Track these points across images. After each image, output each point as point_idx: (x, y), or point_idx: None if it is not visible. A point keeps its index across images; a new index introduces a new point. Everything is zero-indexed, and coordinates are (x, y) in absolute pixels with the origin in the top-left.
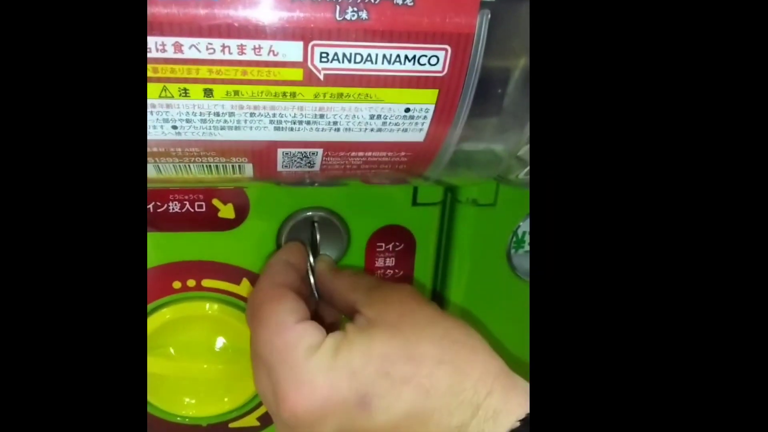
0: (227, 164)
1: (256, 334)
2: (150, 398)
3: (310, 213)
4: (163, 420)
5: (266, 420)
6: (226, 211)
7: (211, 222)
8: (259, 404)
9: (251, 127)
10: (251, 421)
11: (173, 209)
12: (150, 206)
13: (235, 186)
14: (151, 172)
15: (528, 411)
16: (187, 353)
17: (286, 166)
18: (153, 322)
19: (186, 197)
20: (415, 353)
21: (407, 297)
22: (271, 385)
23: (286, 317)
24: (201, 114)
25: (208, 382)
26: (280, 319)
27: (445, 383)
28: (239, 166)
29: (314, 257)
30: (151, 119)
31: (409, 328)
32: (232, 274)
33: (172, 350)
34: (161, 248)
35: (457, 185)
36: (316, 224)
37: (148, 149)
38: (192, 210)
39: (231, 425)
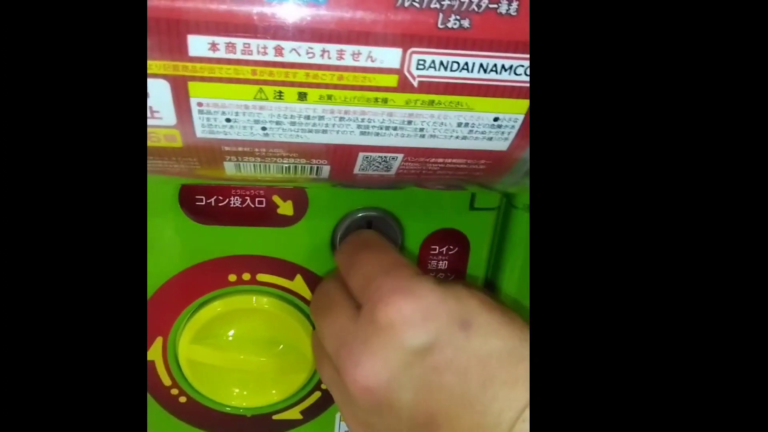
0: (306, 165)
1: (358, 257)
2: (199, 388)
3: (366, 213)
4: (209, 409)
5: (309, 413)
6: (286, 208)
7: (269, 218)
8: (304, 398)
9: (338, 131)
10: (294, 414)
11: (234, 204)
12: (212, 200)
13: (295, 185)
14: (230, 169)
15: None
16: (239, 345)
17: (363, 169)
18: (206, 314)
19: (248, 193)
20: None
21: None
22: (368, 293)
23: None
24: (292, 117)
25: (257, 374)
26: (388, 247)
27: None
28: (317, 167)
29: None
30: (242, 120)
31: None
32: (287, 269)
33: (223, 341)
34: (220, 241)
35: (514, 192)
36: (371, 224)
37: (234, 148)
38: (252, 205)
39: (274, 417)
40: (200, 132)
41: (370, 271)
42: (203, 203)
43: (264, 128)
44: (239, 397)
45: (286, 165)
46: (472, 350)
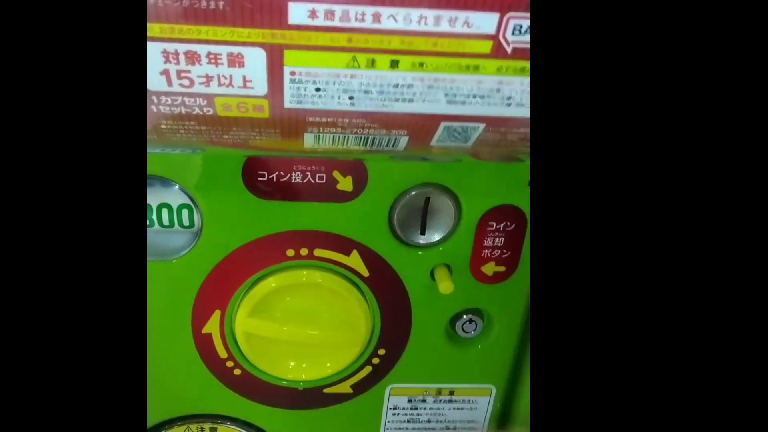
0: (385, 137)
1: None
2: (255, 361)
3: (423, 189)
4: (263, 382)
5: (359, 388)
6: (345, 184)
7: (329, 193)
8: (354, 372)
9: (425, 100)
10: (345, 388)
11: (295, 179)
12: (274, 176)
13: (355, 158)
14: (309, 141)
15: None
16: (294, 319)
17: (440, 141)
18: (263, 288)
19: (308, 168)
20: None
21: None
22: None
23: None
24: (381, 85)
25: (312, 348)
26: None
27: None
28: (396, 139)
29: (422, 233)
30: (332, 89)
31: None
32: (344, 245)
33: (279, 315)
34: (279, 216)
35: None
36: (428, 200)
37: (319, 119)
38: (313, 181)
39: (325, 390)
40: (289, 102)
41: None
42: (265, 178)
43: (351, 98)
44: (294, 370)
45: (365, 137)
46: None
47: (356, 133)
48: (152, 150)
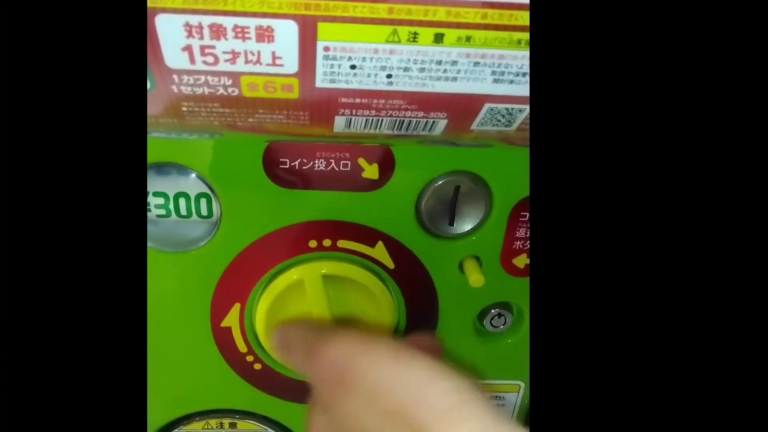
0: (422, 120)
1: None
2: (276, 356)
3: (453, 178)
4: (283, 376)
5: None
6: (371, 172)
7: (354, 182)
8: None
9: (469, 78)
10: None
11: (319, 167)
12: (296, 163)
13: (381, 143)
14: (340, 125)
15: None
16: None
17: (481, 124)
18: (285, 280)
19: (333, 155)
20: None
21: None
22: None
23: None
24: (422, 62)
25: None
26: None
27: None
28: (434, 122)
29: (451, 224)
30: (368, 66)
31: None
32: (369, 236)
33: (300, 308)
34: (301, 206)
35: None
36: (458, 189)
37: (352, 100)
38: (337, 169)
39: None
40: (320, 81)
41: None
42: (287, 166)
43: (389, 75)
44: None
45: (401, 120)
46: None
47: (392, 115)
48: (168, 135)
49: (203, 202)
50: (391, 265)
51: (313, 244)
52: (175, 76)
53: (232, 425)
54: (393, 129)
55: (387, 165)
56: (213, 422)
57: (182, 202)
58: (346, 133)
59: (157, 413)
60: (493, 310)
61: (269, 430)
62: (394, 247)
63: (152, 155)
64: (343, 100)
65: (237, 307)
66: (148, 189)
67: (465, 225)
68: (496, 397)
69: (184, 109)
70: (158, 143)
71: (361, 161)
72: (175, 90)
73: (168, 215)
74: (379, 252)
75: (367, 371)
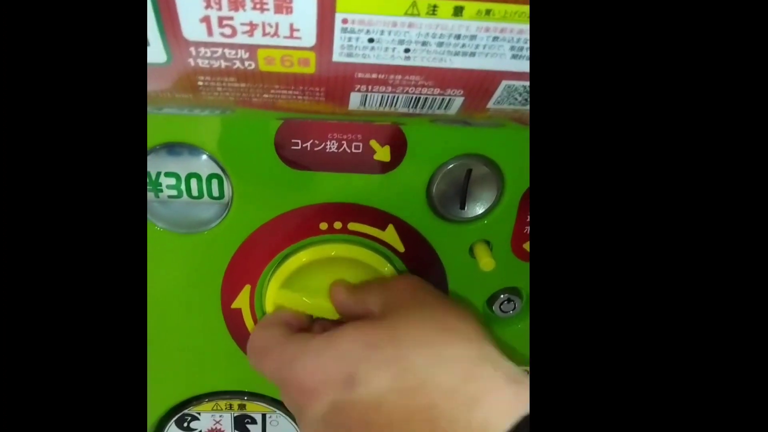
0: (438, 98)
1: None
2: None
3: (465, 161)
4: None
5: None
6: (382, 154)
7: (365, 164)
8: None
9: (488, 54)
10: None
11: (330, 149)
12: (308, 144)
13: (393, 121)
14: (355, 102)
15: (516, 409)
16: (327, 295)
17: (498, 102)
18: (295, 262)
19: (345, 137)
20: (397, 335)
21: (409, 287)
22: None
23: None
24: (441, 36)
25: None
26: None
27: (422, 363)
28: (449, 100)
29: (462, 208)
30: (386, 40)
31: (399, 316)
32: (379, 219)
33: (311, 289)
34: (313, 188)
35: None
36: (470, 172)
37: (368, 75)
38: (348, 150)
39: None
40: (338, 55)
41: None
42: (299, 147)
43: (407, 50)
44: None
45: (416, 97)
46: (364, 401)
47: (407, 92)
48: (180, 111)
49: (215, 183)
50: (401, 248)
51: (323, 226)
52: (192, 49)
53: (241, 406)
54: (408, 107)
55: (399, 147)
56: (222, 403)
57: (194, 182)
58: (360, 111)
59: (167, 394)
60: (502, 295)
61: (278, 411)
62: (405, 230)
63: (164, 135)
64: (360, 75)
65: (247, 288)
66: (160, 169)
67: (476, 209)
68: None
69: (200, 83)
70: (170, 123)
71: (373, 143)
72: (192, 63)
73: (179, 196)
74: (390, 235)
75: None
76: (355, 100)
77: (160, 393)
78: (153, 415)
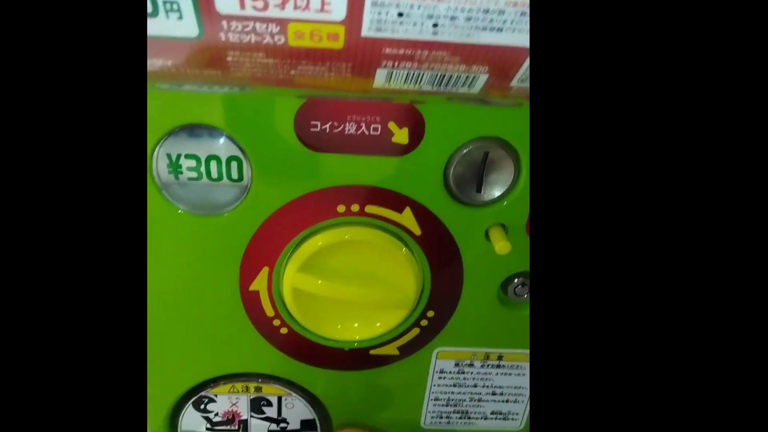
0: (463, 75)
1: None
2: (302, 320)
3: (483, 144)
4: (309, 341)
5: (406, 350)
6: (401, 136)
7: (383, 146)
8: (402, 334)
9: (515, 29)
10: (391, 349)
11: (349, 131)
12: (327, 126)
13: (412, 99)
14: (380, 79)
15: None
16: (343, 276)
17: (522, 81)
18: (313, 244)
19: (363, 119)
20: None
21: None
22: None
23: None
24: (469, 10)
25: (359, 307)
26: None
27: None
28: (474, 77)
29: (478, 191)
30: (415, 14)
31: None
32: (397, 201)
33: (328, 272)
34: (331, 170)
35: None
36: (487, 155)
37: (396, 51)
38: (367, 132)
39: (372, 352)
40: (367, 29)
41: None
42: (318, 129)
43: (435, 24)
44: (341, 330)
45: (441, 74)
46: None
47: (433, 69)
48: (200, 88)
49: (234, 165)
50: (417, 231)
51: (341, 209)
52: (224, 22)
53: (258, 389)
54: (432, 85)
55: (417, 130)
56: (239, 386)
57: (213, 165)
58: (384, 89)
59: (184, 376)
60: (516, 279)
61: (293, 394)
62: (421, 213)
63: (184, 116)
64: (387, 51)
65: (265, 270)
66: (181, 151)
67: (493, 192)
68: (517, 366)
69: (229, 58)
70: (190, 104)
71: (392, 125)
72: (222, 38)
73: (199, 178)
74: (407, 218)
75: None
76: (380, 76)
77: (178, 375)
78: (170, 398)
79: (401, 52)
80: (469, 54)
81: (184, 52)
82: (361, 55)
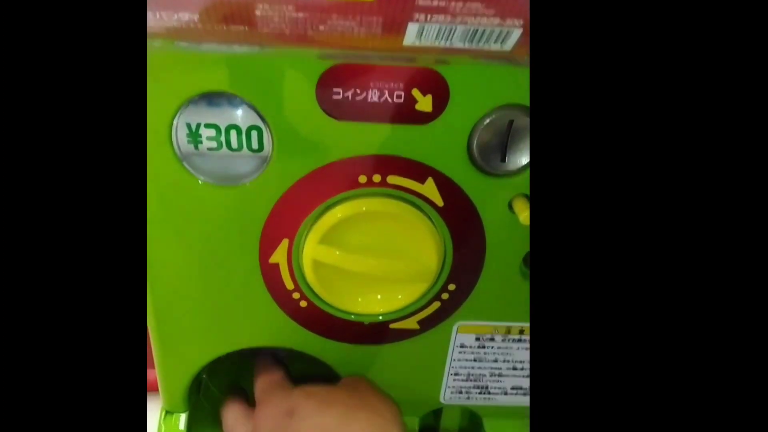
0: (496, 29)
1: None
2: (322, 293)
3: (508, 111)
4: (328, 315)
5: (426, 324)
6: (424, 103)
7: (406, 114)
8: (422, 308)
9: None
10: (411, 323)
11: (372, 98)
12: (349, 93)
13: (437, 59)
14: (411, 35)
15: None
16: (364, 248)
17: None
18: (334, 215)
19: (386, 86)
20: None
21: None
22: None
23: None
24: None
25: (380, 280)
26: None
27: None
28: (508, 32)
29: (502, 160)
30: None
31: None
32: (419, 171)
33: (349, 244)
34: (353, 140)
35: None
36: (512, 123)
37: (429, 2)
38: (390, 100)
39: (391, 326)
40: None
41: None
42: (340, 96)
43: None
44: (362, 303)
45: (474, 28)
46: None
47: (466, 23)
48: (218, 48)
49: (254, 134)
50: (440, 202)
51: (362, 179)
52: None
53: None
54: (464, 41)
55: (441, 97)
56: None
57: (233, 134)
58: (414, 47)
59: (201, 350)
60: None
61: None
62: (444, 183)
63: (203, 84)
64: (421, 2)
65: (285, 242)
66: (200, 120)
67: (517, 161)
68: None
69: (258, 12)
70: (210, 70)
71: (416, 92)
72: None
73: (219, 148)
74: (429, 189)
75: None
76: (411, 32)
77: (195, 349)
78: (189, 371)
79: (434, 3)
80: (504, 6)
81: (213, 6)
82: (394, 7)
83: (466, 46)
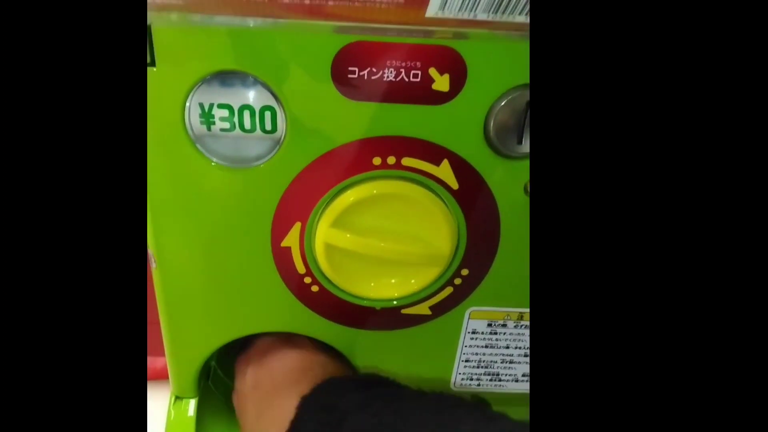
0: (519, 3)
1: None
2: (333, 277)
3: (525, 91)
4: (340, 300)
5: (438, 309)
6: (441, 83)
7: (423, 94)
8: (434, 293)
9: None
10: (423, 309)
11: (388, 77)
12: (365, 73)
13: (455, 33)
14: (434, 6)
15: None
16: (377, 232)
17: None
18: (347, 198)
19: (403, 65)
20: None
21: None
22: None
23: None
24: None
25: (392, 264)
26: None
27: None
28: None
29: (519, 143)
30: None
31: None
32: (435, 153)
33: (361, 227)
34: (368, 120)
35: None
36: (529, 104)
37: None
38: (406, 79)
39: (403, 311)
40: None
41: None
42: (356, 76)
43: None
44: (374, 288)
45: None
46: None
47: None
48: (231, 21)
49: (267, 115)
50: (455, 185)
51: (377, 161)
52: None
53: None
54: (488, 12)
55: (459, 77)
56: None
57: (246, 115)
58: (437, 18)
59: (211, 335)
60: None
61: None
62: (460, 166)
63: (216, 63)
64: None
65: (297, 226)
66: (213, 100)
67: None
68: None
69: None
70: (223, 50)
71: (433, 72)
72: None
73: (232, 129)
74: (444, 171)
75: None
76: (434, 3)
77: (205, 334)
78: (199, 356)
79: None
80: None
81: None
82: None
83: (490, 17)
